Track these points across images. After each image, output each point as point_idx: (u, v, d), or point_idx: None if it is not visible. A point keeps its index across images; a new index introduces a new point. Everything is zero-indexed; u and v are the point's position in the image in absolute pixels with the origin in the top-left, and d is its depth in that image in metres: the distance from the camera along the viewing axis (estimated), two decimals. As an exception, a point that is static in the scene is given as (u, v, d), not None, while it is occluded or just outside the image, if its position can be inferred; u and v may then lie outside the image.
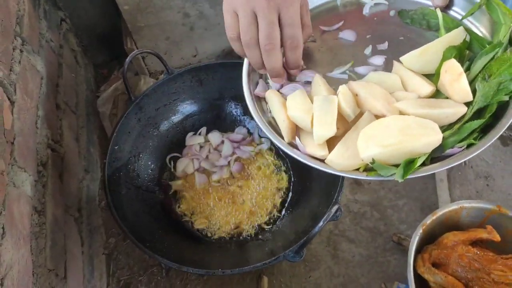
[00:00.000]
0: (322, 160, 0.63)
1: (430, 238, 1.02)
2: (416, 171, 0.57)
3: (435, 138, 0.56)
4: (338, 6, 0.82)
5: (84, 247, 1.04)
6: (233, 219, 1.06)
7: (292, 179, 1.15)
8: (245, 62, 0.75)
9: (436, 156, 0.59)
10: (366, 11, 0.80)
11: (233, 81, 1.11)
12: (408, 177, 0.56)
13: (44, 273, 0.80)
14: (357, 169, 0.61)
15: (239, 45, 0.68)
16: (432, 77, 0.67)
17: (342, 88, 0.65)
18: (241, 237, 1.05)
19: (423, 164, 0.57)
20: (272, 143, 1.19)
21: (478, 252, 0.95)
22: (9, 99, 0.81)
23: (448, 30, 0.70)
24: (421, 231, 0.97)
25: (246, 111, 1.21)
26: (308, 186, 1.05)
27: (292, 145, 0.66)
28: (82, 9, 1.30)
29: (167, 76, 1.04)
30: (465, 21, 0.72)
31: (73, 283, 0.92)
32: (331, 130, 0.62)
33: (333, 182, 0.87)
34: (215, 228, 1.07)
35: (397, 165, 0.57)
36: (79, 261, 0.98)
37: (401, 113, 0.62)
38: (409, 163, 0.56)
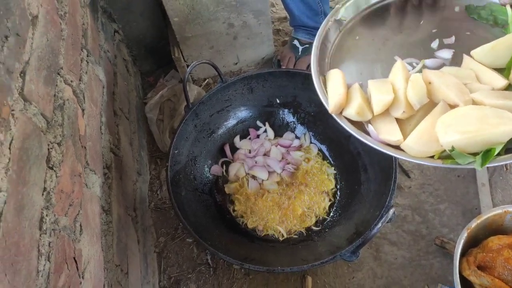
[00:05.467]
0: (394, 147, 0.66)
1: (473, 242, 1.03)
2: (493, 160, 0.59)
3: None
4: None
5: (140, 245, 1.10)
6: (283, 221, 1.11)
7: (340, 183, 1.19)
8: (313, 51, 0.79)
9: (510, 147, 0.61)
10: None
11: (282, 89, 1.18)
12: (487, 165, 0.58)
13: (113, 268, 0.86)
14: (431, 157, 0.64)
15: None
16: (501, 72, 0.69)
17: (413, 77, 0.68)
18: (291, 238, 1.10)
19: (498, 154, 0.59)
20: (320, 148, 1.25)
21: (525, 256, 0.96)
22: (80, 106, 0.88)
23: None
24: (466, 234, 0.99)
25: (293, 117, 1.27)
26: (356, 189, 1.09)
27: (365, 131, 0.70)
28: (133, 21, 1.38)
29: (221, 84, 1.10)
30: None
31: (133, 278, 0.99)
32: (389, 95, 0.65)
33: (385, 185, 0.91)
34: (267, 229, 1.12)
35: (473, 154, 0.59)
36: (137, 258, 1.05)
37: (475, 103, 0.64)
38: (487, 152, 0.58)
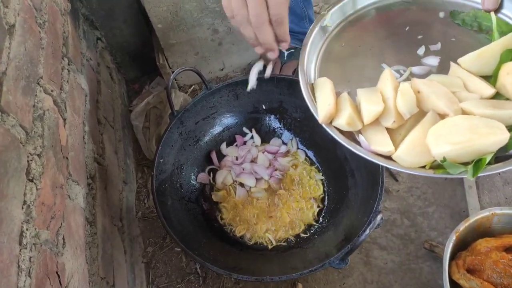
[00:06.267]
0: (386, 157, 0.66)
1: (462, 245, 1.03)
2: (484, 170, 0.59)
3: (502, 137, 0.58)
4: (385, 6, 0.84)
5: (127, 255, 1.08)
6: (272, 228, 1.10)
7: (328, 189, 1.18)
8: (301, 59, 0.78)
9: (499, 155, 0.61)
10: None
11: (267, 95, 1.17)
12: (479, 175, 0.58)
13: (98, 281, 0.84)
14: (423, 167, 0.63)
15: (236, 23, 0.73)
16: (488, 79, 0.69)
17: (402, 86, 0.67)
18: (280, 246, 1.09)
19: (488, 163, 0.59)
20: (307, 154, 1.24)
21: (513, 258, 0.96)
22: (61, 116, 0.86)
23: (501, 33, 0.71)
24: (454, 237, 0.99)
25: (280, 123, 1.26)
26: (344, 194, 1.08)
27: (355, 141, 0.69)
28: (117, 29, 1.36)
29: (206, 91, 1.09)
30: None
31: (119, 290, 0.97)
32: (379, 105, 0.65)
33: (372, 190, 0.90)
34: (256, 237, 1.10)
35: (464, 164, 0.60)
36: (123, 269, 1.03)
37: (465, 113, 0.64)
38: (478, 162, 0.58)
